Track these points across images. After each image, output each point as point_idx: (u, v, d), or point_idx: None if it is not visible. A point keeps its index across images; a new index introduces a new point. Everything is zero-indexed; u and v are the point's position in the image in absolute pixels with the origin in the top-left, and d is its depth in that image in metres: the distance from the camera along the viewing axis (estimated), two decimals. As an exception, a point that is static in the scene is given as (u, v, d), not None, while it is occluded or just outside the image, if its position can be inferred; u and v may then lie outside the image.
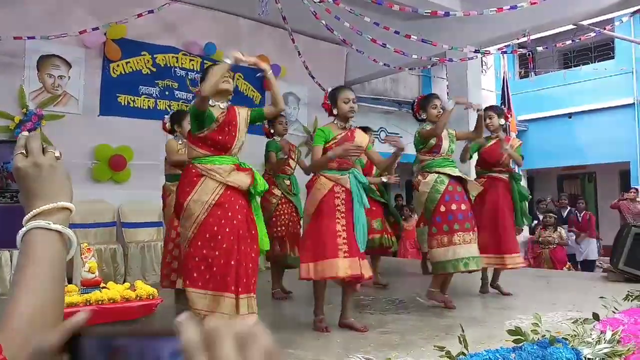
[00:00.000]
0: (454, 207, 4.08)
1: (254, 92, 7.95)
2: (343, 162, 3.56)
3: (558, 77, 12.81)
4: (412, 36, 5.48)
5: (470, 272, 4.15)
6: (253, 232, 3.10)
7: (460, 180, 4.23)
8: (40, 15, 5.88)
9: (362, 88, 10.35)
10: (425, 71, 10.76)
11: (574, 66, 13.36)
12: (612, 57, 12.52)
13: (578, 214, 9.33)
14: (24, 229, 0.73)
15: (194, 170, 3.04)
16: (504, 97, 10.22)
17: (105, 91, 6.50)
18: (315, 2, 5.00)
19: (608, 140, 11.96)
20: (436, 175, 4.14)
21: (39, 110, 5.97)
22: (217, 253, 2.90)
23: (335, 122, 3.67)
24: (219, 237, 2.93)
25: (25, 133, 0.80)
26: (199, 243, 2.92)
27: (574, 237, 9.12)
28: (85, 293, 2.75)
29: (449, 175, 4.17)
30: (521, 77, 13.91)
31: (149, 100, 6.85)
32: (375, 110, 10.29)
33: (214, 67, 3.07)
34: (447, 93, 7.97)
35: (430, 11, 4.85)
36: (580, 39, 6.04)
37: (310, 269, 3.44)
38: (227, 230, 2.95)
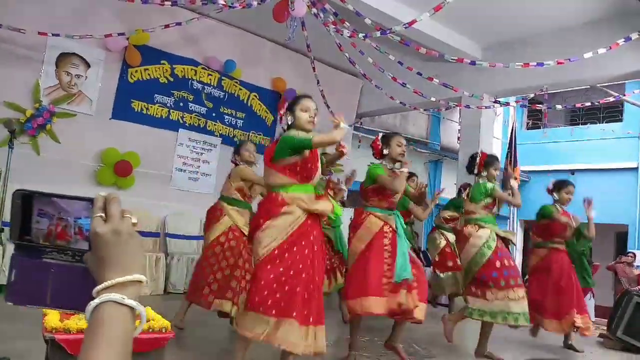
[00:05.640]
0: (506, 263, 4.30)
1: (267, 113, 7.94)
2: (392, 203, 3.81)
3: (565, 132, 12.90)
4: (434, 79, 5.49)
5: (516, 327, 4.37)
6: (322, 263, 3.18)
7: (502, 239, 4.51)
8: (65, 14, 5.87)
9: (372, 121, 10.40)
10: (436, 112, 10.82)
11: (582, 124, 13.48)
12: (620, 120, 12.66)
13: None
14: (96, 301, 0.69)
15: (279, 199, 2.99)
16: (511, 146, 10.25)
17: (120, 95, 6.46)
18: (343, 36, 5.00)
19: (608, 201, 11.95)
20: (489, 231, 4.37)
21: (51, 107, 5.92)
22: (283, 279, 2.86)
23: (383, 163, 3.89)
24: (290, 262, 2.91)
25: (103, 193, 0.77)
26: (268, 267, 2.88)
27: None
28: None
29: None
30: (528, 128, 14.01)
31: (162, 110, 6.82)
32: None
33: (335, 132, 3.04)
34: (458, 137, 8.02)
35: (456, 58, 4.87)
36: (599, 102, 6.06)
37: (356, 305, 3.58)
38: (298, 257, 2.93)
